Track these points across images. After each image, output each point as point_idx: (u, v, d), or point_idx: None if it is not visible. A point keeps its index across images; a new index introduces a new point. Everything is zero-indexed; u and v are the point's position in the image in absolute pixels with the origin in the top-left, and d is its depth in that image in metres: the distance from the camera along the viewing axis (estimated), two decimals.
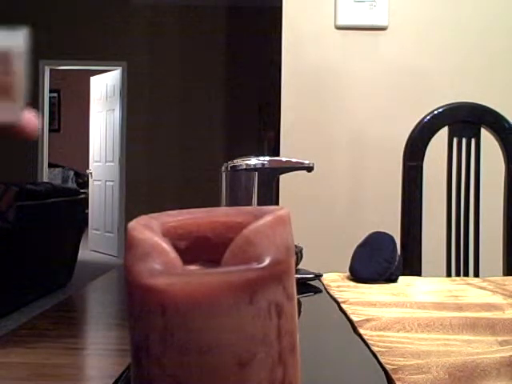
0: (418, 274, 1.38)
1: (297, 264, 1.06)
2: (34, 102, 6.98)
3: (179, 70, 7.01)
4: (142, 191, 7.02)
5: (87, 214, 7.04)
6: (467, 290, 1.01)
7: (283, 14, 2.11)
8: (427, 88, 2.11)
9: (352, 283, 1.05)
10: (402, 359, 0.61)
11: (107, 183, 7.29)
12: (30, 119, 0.43)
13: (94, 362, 3.48)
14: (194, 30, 6.97)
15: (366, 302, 0.88)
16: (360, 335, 0.72)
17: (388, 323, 0.75)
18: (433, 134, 1.46)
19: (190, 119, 7.02)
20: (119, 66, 7.01)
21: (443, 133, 1.47)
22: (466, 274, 1.43)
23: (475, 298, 0.93)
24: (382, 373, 0.59)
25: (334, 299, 0.93)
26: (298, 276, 1.05)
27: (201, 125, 7.02)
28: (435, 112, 1.47)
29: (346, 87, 2.12)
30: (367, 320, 0.77)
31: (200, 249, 0.41)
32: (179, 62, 7.01)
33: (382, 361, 0.61)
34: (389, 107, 2.12)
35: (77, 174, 10.00)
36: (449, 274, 1.42)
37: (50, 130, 7.72)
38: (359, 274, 1.06)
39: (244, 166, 1.10)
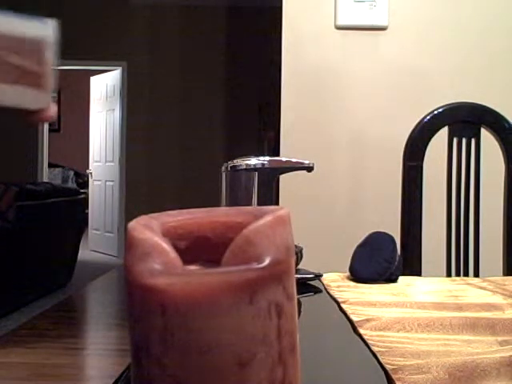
0: (418, 274, 1.38)
1: (297, 264, 1.06)
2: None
3: (179, 70, 7.01)
4: (142, 191, 7.02)
5: (87, 214, 7.04)
6: (467, 290, 1.01)
7: (283, 14, 2.11)
8: (427, 88, 2.11)
9: (352, 283, 1.05)
10: (401, 359, 0.61)
11: (107, 183, 7.29)
12: (51, 107, 0.44)
13: (94, 362, 3.48)
14: (194, 30, 6.97)
15: (366, 302, 0.88)
16: (360, 335, 0.72)
17: (388, 323, 0.75)
18: (433, 134, 1.46)
19: (190, 119, 7.02)
20: (119, 66, 7.01)
21: (443, 133, 1.47)
22: (466, 274, 1.43)
23: (475, 298, 0.93)
24: (382, 373, 0.59)
25: (334, 299, 0.93)
26: (298, 276, 1.05)
27: (201, 125, 7.02)
28: (435, 112, 1.47)
29: (346, 87, 2.12)
30: (367, 320, 0.77)
31: (200, 249, 0.41)
32: (179, 62, 7.01)
33: (382, 361, 0.61)
34: (389, 107, 2.12)
35: (77, 174, 10.00)
36: (449, 274, 1.43)
37: (50, 130, 7.73)
38: (359, 274, 1.06)
39: (244, 166, 1.10)
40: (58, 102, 9.98)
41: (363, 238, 1.11)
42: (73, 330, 4.05)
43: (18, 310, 4.26)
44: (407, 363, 0.59)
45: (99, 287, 5.47)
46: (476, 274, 1.43)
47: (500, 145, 1.46)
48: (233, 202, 1.11)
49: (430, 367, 0.57)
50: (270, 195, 1.10)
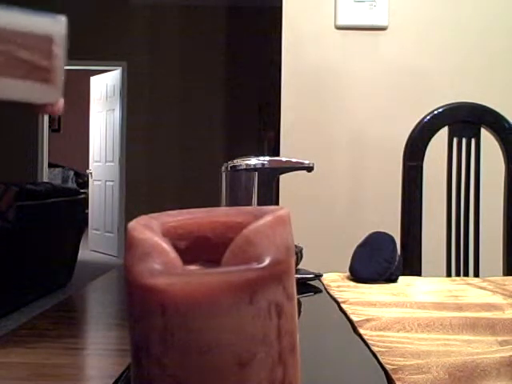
0: (418, 274, 1.38)
1: (297, 264, 1.06)
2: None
3: (179, 70, 7.01)
4: (142, 191, 7.01)
5: (87, 214, 7.04)
6: (467, 290, 1.01)
7: (283, 14, 2.11)
8: (427, 88, 2.11)
9: (352, 283, 1.05)
10: (401, 359, 0.61)
11: (107, 183, 7.29)
12: (60, 101, 0.44)
13: (94, 362, 3.48)
14: (194, 30, 6.97)
15: (366, 301, 0.88)
16: (360, 335, 0.72)
17: (388, 323, 0.75)
18: (433, 134, 1.46)
19: (190, 119, 7.02)
20: (119, 66, 7.01)
21: (443, 133, 1.47)
22: (466, 274, 1.43)
23: (475, 298, 0.93)
24: (382, 373, 0.59)
25: (334, 299, 0.93)
26: (298, 276, 1.05)
27: (201, 125, 7.02)
28: (435, 112, 1.47)
29: (346, 87, 2.12)
30: (367, 320, 0.77)
31: (200, 249, 0.41)
32: (179, 62, 7.01)
33: (382, 361, 0.61)
34: (389, 107, 2.12)
35: (77, 174, 10.00)
36: (449, 274, 1.43)
37: (50, 130, 7.72)
38: (359, 274, 1.06)
39: (244, 166, 1.10)
40: None
41: (363, 238, 1.11)
42: (73, 330, 4.06)
43: (18, 310, 4.26)
44: (407, 363, 0.59)
45: (99, 287, 5.47)
46: (476, 274, 1.43)
47: (500, 145, 1.46)
48: (233, 202, 1.11)
49: (430, 367, 0.57)
50: (270, 195, 1.10)
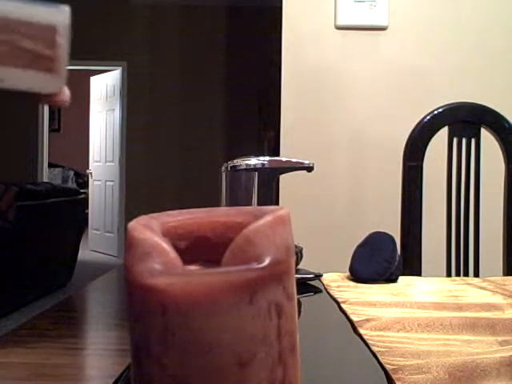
0: (418, 274, 1.38)
1: (297, 264, 1.06)
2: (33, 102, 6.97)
3: (179, 70, 7.01)
4: (142, 191, 7.02)
5: (87, 214, 7.04)
6: (467, 290, 1.01)
7: (283, 14, 2.11)
8: (427, 88, 2.11)
9: (352, 283, 1.05)
10: (401, 359, 0.61)
11: (107, 183, 7.29)
12: (64, 91, 0.44)
13: (94, 362, 3.48)
14: (194, 30, 6.97)
15: (366, 301, 0.88)
16: (360, 335, 0.72)
17: (388, 323, 0.75)
18: (433, 134, 1.46)
19: (190, 119, 7.02)
20: (119, 66, 7.01)
21: (443, 133, 1.47)
22: (466, 274, 1.43)
23: (475, 298, 0.93)
24: (382, 373, 0.59)
25: (334, 299, 0.93)
26: (298, 276, 1.05)
27: (201, 125, 7.02)
28: (435, 112, 1.47)
29: (346, 87, 2.12)
30: (367, 320, 0.77)
31: (200, 249, 0.41)
32: (179, 62, 7.01)
33: (382, 361, 0.61)
34: (389, 107, 2.12)
35: (77, 174, 10.00)
36: (449, 274, 1.43)
37: (50, 130, 7.72)
38: (359, 274, 1.06)
39: (244, 166, 1.10)
40: None
41: (363, 238, 1.11)
42: (73, 330, 4.06)
43: (18, 310, 4.26)
44: (407, 363, 0.59)
45: (99, 287, 5.47)
46: (476, 274, 1.43)
47: (500, 145, 1.46)
48: (233, 202, 1.11)
49: (430, 367, 0.57)
50: (270, 195, 1.10)
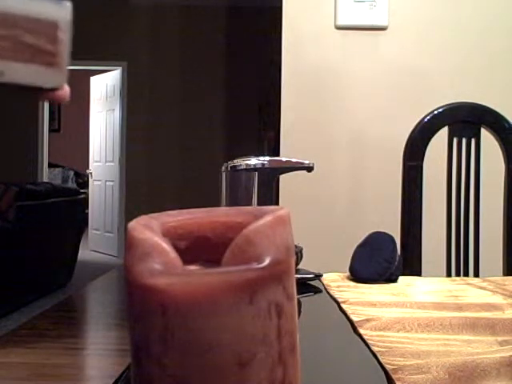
0: (418, 274, 1.38)
1: (297, 264, 1.06)
2: (33, 102, 6.98)
3: (179, 70, 7.01)
4: (142, 191, 7.02)
5: (87, 214, 7.04)
6: (467, 290, 1.01)
7: (283, 14, 2.11)
8: (427, 88, 2.11)
9: (352, 283, 1.05)
10: (401, 359, 0.61)
11: (107, 183, 7.29)
12: (65, 87, 0.44)
13: (94, 362, 3.48)
14: (194, 29, 6.97)
15: (366, 301, 0.88)
16: (360, 335, 0.72)
17: (388, 323, 0.75)
18: (433, 134, 1.46)
19: (190, 119, 7.02)
20: (119, 66, 7.01)
21: (443, 133, 1.47)
22: (466, 274, 1.43)
23: (475, 298, 0.93)
24: (382, 373, 0.59)
25: (334, 299, 0.93)
26: (298, 276, 1.05)
27: (201, 125, 7.02)
28: (435, 112, 1.47)
29: (346, 87, 2.12)
30: (367, 320, 0.77)
31: (200, 249, 0.41)
32: (179, 62, 7.01)
33: (382, 361, 0.61)
34: (389, 107, 2.12)
35: (77, 174, 10.00)
36: (449, 274, 1.43)
37: (50, 130, 7.72)
38: (359, 274, 1.06)
39: (244, 166, 1.10)
40: (59, 103, 9.97)
41: (363, 238, 1.11)
42: (73, 329, 4.06)
43: (18, 310, 4.26)
44: (407, 363, 0.59)
45: (99, 287, 5.47)
46: (476, 274, 1.43)
47: (500, 145, 1.46)
48: (233, 202, 1.11)
49: (430, 367, 0.57)
50: (270, 195, 1.10)
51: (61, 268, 5.08)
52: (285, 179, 1.99)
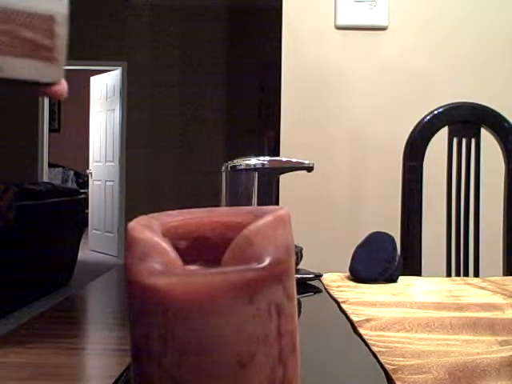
0: (418, 273, 1.38)
1: (297, 264, 1.06)
2: (33, 102, 6.98)
3: (179, 70, 7.01)
4: (141, 191, 7.02)
5: (87, 213, 7.04)
6: (467, 290, 1.01)
7: (283, 14, 2.11)
8: (427, 88, 2.11)
9: (352, 283, 1.05)
10: (402, 359, 0.61)
11: (107, 183, 7.29)
12: (63, 82, 0.44)
13: (94, 362, 3.48)
14: (194, 29, 6.97)
15: (366, 301, 0.88)
16: (360, 335, 0.72)
17: (388, 323, 0.75)
18: (433, 134, 1.46)
19: (190, 119, 7.03)
20: (119, 66, 7.01)
21: (443, 133, 1.47)
22: (466, 274, 1.43)
23: (475, 298, 0.93)
24: (382, 373, 0.58)
25: (334, 299, 0.93)
26: (298, 276, 1.05)
27: (201, 125, 7.02)
28: (435, 112, 1.47)
29: (346, 87, 2.12)
30: (367, 320, 0.77)
31: (200, 249, 0.41)
32: (179, 62, 7.01)
33: (382, 361, 0.61)
34: (389, 107, 2.12)
35: (77, 174, 10.00)
36: (449, 274, 1.43)
37: (50, 130, 7.72)
38: (359, 274, 1.06)
39: (244, 166, 1.10)
40: (58, 102, 9.99)
41: (363, 238, 1.11)
42: (73, 329, 4.06)
43: (18, 309, 4.26)
44: (407, 363, 0.59)
45: (99, 287, 5.47)
46: (476, 274, 1.43)
47: (500, 145, 1.46)
48: (233, 201, 1.11)
49: (430, 367, 0.57)
50: (269, 195, 1.10)
51: (61, 268, 5.08)
52: (285, 179, 1.99)
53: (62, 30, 0.45)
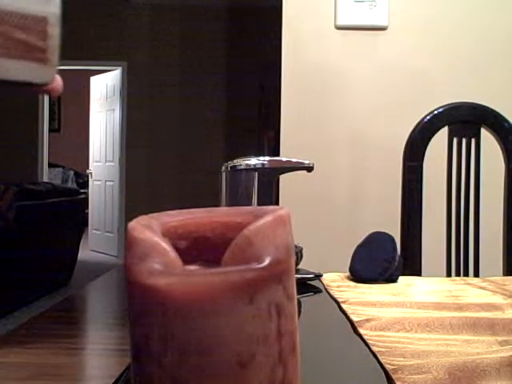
0: (418, 274, 1.38)
1: (297, 264, 1.06)
2: (33, 102, 6.98)
3: (179, 70, 7.01)
4: (141, 191, 7.02)
5: (87, 213, 7.04)
6: (467, 290, 1.01)
7: (283, 14, 2.11)
8: (427, 88, 2.11)
9: (352, 283, 1.05)
10: (402, 359, 0.61)
11: (107, 183, 7.29)
12: (57, 80, 0.45)
13: (94, 362, 3.48)
14: (194, 29, 6.97)
15: (366, 301, 0.88)
16: (360, 335, 0.72)
17: (388, 323, 0.75)
18: (433, 134, 1.46)
19: (190, 119, 7.03)
20: (119, 65, 7.01)
21: (443, 133, 1.47)
22: (466, 274, 1.43)
23: (475, 298, 0.93)
24: (382, 373, 0.58)
25: (334, 299, 0.93)
26: (298, 276, 1.05)
27: (201, 125, 7.02)
28: (435, 112, 1.47)
29: (346, 87, 2.12)
30: (367, 320, 0.77)
31: (200, 249, 0.41)
32: (179, 62, 7.01)
33: (382, 361, 0.61)
34: (389, 107, 2.12)
35: (77, 174, 10.00)
36: (449, 274, 1.43)
37: (50, 130, 7.72)
38: (359, 274, 1.06)
39: (244, 166, 1.10)
40: (58, 102, 9.99)
41: (363, 238, 1.11)
42: (73, 329, 4.06)
43: (18, 309, 4.26)
44: (407, 363, 0.59)
45: (99, 287, 5.47)
46: (476, 274, 1.43)
47: (500, 145, 1.46)
48: (233, 201, 1.11)
49: (430, 367, 0.57)
50: (269, 195, 1.10)
51: (61, 268, 5.08)
52: (285, 179, 1.99)
53: (54, 31, 0.45)
